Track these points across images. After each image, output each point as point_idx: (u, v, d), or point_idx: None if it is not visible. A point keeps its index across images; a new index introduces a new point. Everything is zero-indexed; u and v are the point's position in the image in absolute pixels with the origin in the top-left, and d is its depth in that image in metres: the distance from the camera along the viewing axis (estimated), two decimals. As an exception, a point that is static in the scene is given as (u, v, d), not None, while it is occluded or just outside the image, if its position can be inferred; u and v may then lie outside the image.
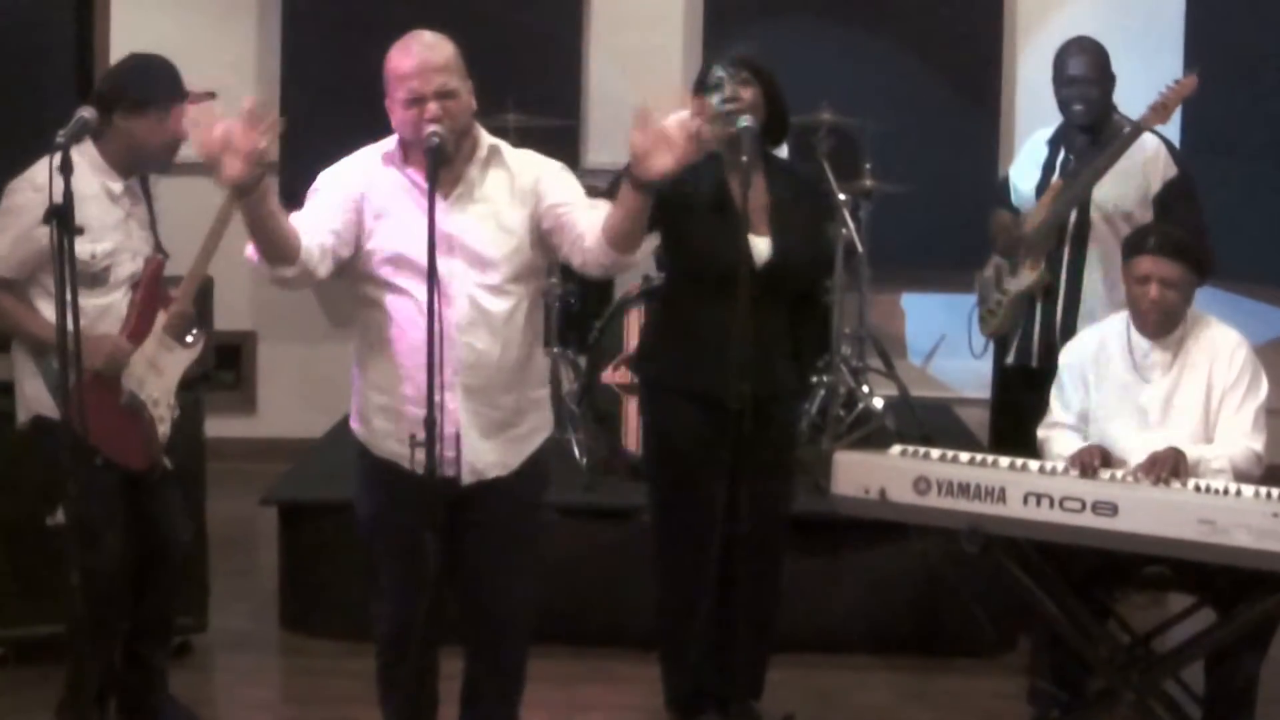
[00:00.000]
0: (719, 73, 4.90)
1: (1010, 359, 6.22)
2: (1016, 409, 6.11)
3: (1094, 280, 5.97)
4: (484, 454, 4.31)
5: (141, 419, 4.97)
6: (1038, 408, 5.48)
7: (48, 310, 4.77)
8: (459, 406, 4.20)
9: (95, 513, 4.88)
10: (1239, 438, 5.04)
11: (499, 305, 4.25)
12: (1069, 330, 5.91)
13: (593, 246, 4.23)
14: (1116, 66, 6.04)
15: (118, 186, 4.93)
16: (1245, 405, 5.09)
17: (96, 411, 4.74)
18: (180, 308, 5.04)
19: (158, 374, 5.01)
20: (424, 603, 4.11)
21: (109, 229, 4.89)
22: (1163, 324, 5.15)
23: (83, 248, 4.71)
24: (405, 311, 4.23)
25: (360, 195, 4.24)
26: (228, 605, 5.83)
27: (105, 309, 4.90)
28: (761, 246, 4.89)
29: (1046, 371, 5.71)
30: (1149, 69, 6.00)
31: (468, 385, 4.22)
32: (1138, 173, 5.94)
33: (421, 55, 4.15)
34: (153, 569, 5.19)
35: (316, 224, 4.17)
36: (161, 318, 5.01)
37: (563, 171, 4.41)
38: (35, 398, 4.94)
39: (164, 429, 5.05)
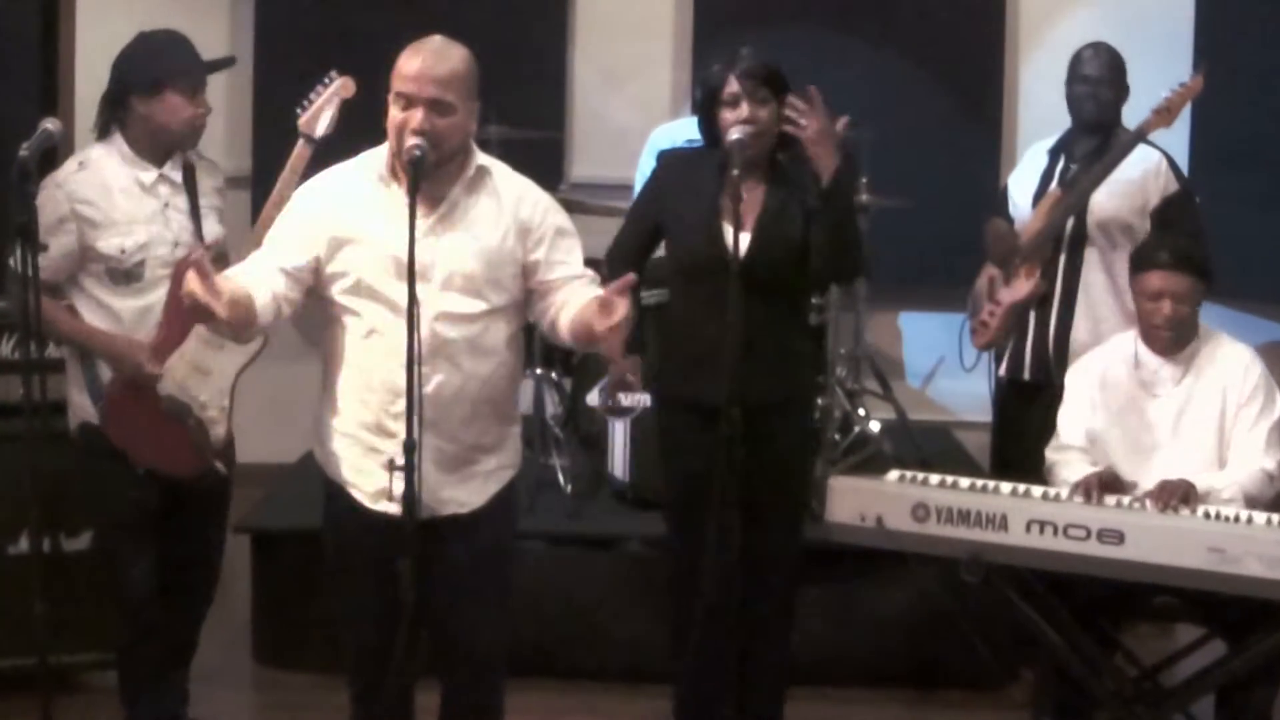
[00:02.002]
0: (735, 87, 4.88)
1: (1002, 371, 6.25)
2: (1012, 424, 6.18)
3: (1089, 289, 5.97)
4: (439, 489, 4.26)
5: (186, 423, 4.95)
6: (1033, 422, 5.52)
7: (88, 313, 4.86)
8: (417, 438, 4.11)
9: (124, 538, 4.98)
10: (1253, 455, 5.06)
11: (463, 335, 4.22)
12: (1063, 341, 5.96)
13: (558, 331, 4.31)
14: (1123, 78, 6.07)
15: (149, 176, 4.93)
16: (1260, 423, 5.12)
17: (134, 417, 4.81)
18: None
19: (203, 375, 4.97)
20: (397, 633, 4.10)
21: (140, 222, 4.88)
22: (1176, 340, 5.18)
23: (110, 242, 4.81)
24: (366, 335, 4.22)
25: (327, 219, 4.23)
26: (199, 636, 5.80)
27: (144, 311, 4.90)
28: (741, 240, 4.84)
29: (1040, 385, 5.76)
30: (1157, 82, 5.98)
31: (424, 417, 4.14)
32: (1137, 185, 5.95)
33: (426, 61, 4.15)
34: (182, 583, 5.20)
35: (269, 265, 4.22)
36: None
37: (564, 232, 4.39)
38: (80, 405, 4.96)
39: (218, 431, 5.04)
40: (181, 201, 5.00)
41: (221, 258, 4.92)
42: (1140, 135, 5.80)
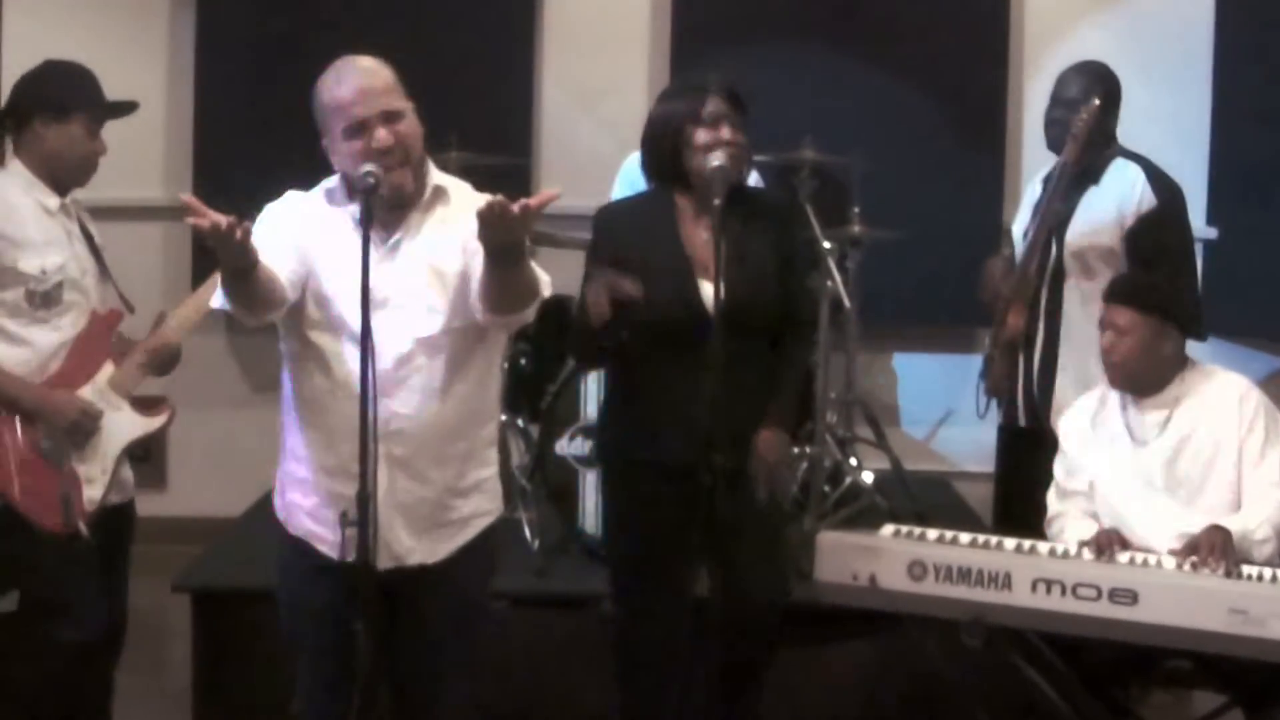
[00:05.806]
0: (718, 107, 4.86)
1: (1001, 419, 6.32)
2: (1013, 475, 6.23)
3: (1070, 327, 6.02)
4: (406, 536, 4.25)
5: (60, 472, 4.91)
6: (1031, 469, 5.50)
7: None
8: (383, 479, 4.10)
9: (62, 579, 4.95)
10: (1268, 488, 5.05)
11: (433, 365, 4.21)
12: (1047, 383, 6.04)
13: (475, 303, 4.20)
14: (1135, 102, 6.06)
15: (52, 202, 4.95)
16: (1268, 454, 5.10)
17: (6, 449, 4.80)
18: (148, 349, 5.05)
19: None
20: (351, 699, 4.07)
21: (53, 244, 4.91)
22: (1128, 378, 5.18)
23: (30, 262, 4.81)
24: (327, 371, 4.20)
25: (299, 240, 4.21)
26: (134, 704, 5.75)
27: (60, 345, 4.92)
28: (706, 292, 4.83)
29: (1034, 431, 5.76)
30: (1172, 105, 6.01)
31: (393, 455, 4.15)
32: (1111, 206, 5.98)
33: (358, 80, 4.15)
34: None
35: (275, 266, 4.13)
36: (109, 370, 4.99)
37: None
38: None
39: (92, 492, 5.00)
40: (79, 235, 5.06)
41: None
42: (1064, 167, 5.90)
